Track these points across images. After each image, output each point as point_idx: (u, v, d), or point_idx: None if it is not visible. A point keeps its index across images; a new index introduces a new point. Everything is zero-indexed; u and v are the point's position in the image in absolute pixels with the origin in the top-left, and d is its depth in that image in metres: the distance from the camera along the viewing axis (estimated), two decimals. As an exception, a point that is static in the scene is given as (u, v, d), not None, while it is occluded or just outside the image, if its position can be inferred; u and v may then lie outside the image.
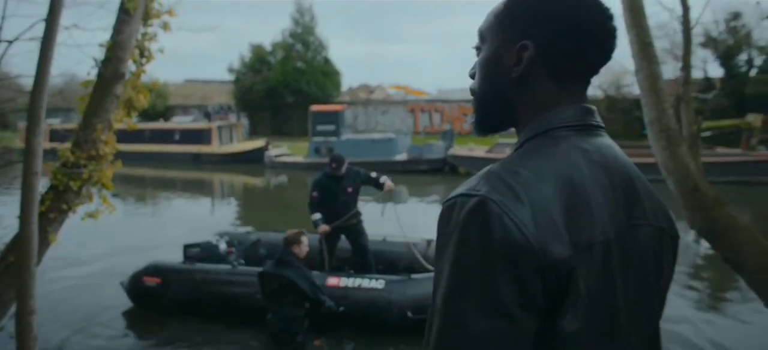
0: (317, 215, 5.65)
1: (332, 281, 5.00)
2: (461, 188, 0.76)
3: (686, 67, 4.32)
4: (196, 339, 5.03)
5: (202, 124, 23.76)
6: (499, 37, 0.87)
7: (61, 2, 3.34)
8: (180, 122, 25.49)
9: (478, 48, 0.92)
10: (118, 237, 8.27)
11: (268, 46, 31.71)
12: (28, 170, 3.32)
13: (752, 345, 4.94)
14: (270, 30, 64.25)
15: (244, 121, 29.10)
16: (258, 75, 30.47)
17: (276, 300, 4.54)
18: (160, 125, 24.57)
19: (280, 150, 22.54)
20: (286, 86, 29.80)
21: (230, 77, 32.34)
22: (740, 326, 5.35)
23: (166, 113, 30.62)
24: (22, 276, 3.30)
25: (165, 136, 23.21)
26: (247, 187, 18.45)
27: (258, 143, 22.91)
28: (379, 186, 5.87)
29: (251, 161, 21.56)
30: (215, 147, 22.63)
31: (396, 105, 29.48)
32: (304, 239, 4.72)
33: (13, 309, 4.21)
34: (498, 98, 0.88)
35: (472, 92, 0.92)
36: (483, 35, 0.91)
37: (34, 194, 3.33)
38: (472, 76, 0.92)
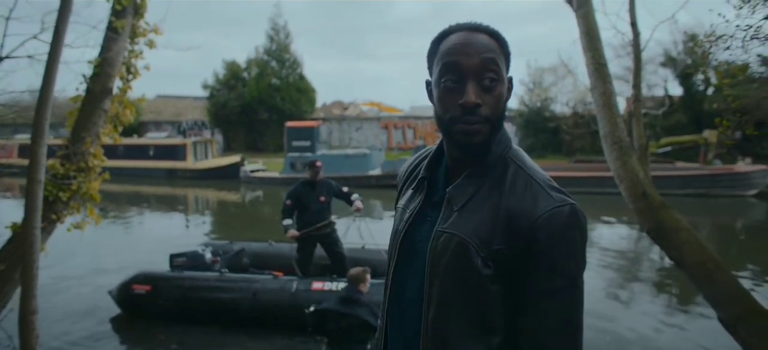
0: (288, 221, 5.93)
1: (316, 285, 5.26)
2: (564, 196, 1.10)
3: (637, 86, 4.75)
4: (192, 343, 5.20)
5: (176, 140, 23.73)
6: (505, 71, 1.12)
7: (66, 24, 3.58)
8: (154, 137, 25.37)
9: (494, 80, 1.08)
10: (90, 253, 8.35)
11: (242, 63, 31.86)
12: (32, 179, 3.54)
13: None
14: (242, 46, 64.37)
15: (219, 137, 29.13)
16: (232, 91, 30.55)
17: (340, 338, 4.35)
18: (134, 140, 24.44)
19: (256, 165, 22.65)
20: (260, 103, 29.95)
21: (202, 93, 32.33)
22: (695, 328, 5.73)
23: (139, 129, 30.41)
24: (24, 277, 3.51)
25: (139, 151, 23.11)
26: (222, 202, 18.50)
27: (233, 158, 23.00)
28: (350, 202, 6.15)
29: (226, 176, 21.65)
30: (190, 163, 22.61)
31: (370, 121, 29.90)
32: (368, 276, 4.56)
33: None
34: (502, 121, 1.14)
35: (488, 121, 1.08)
36: (494, 69, 1.08)
37: (37, 201, 3.55)
38: (479, 105, 1.06)
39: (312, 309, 4.50)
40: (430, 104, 1.19)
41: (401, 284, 1.18)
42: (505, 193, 1.08)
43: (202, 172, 22.42)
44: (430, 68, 1.17)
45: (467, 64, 1.07)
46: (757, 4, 2.84)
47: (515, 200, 1.06)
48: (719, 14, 3.02)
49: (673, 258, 3.86)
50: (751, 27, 2.91)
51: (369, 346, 4.27)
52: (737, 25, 2.97)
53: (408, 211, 1.21)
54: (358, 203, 6.06)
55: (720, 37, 3.05)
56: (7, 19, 4.16)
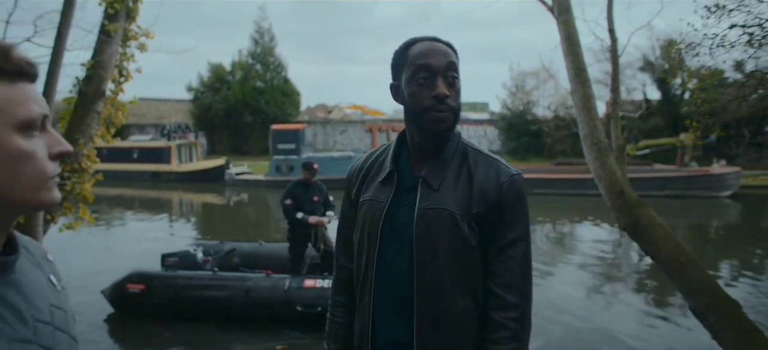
0: (300, 213, 5.97)
1: (308, 283, 5.41)
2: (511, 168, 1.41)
3: (615, 89, 4.98)
4: (190, 339, 5.30)
5: (161, 142, 23.62)
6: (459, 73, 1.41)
7: (68, 27, 3.70)
8: (138, 140, 25.21)
9: (455, 77, 1.37)
10: (78, 254, 8.38)
11: (226, 66, 31.81)
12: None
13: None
14: (225, 49, 64.11)
15: (203, 140, 28.99)
16: (217, 94, 30.49)
17: None
18: (118, 143, 24.26)
19: (241, 168, 22.65)
20: (245, 105, 29.94)
21: (185, 96, 32.21)
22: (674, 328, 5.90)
23: (123, 132, 30.16)
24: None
25: (123, 154, 22.94)
26: (207, 205, 18.50)
27: (218, 161, 22.98)
28: (330, 207, 6.26)
29: (211, 179, 21.62)
30: (174, 165, 22.53)
31: (354, 124, 30.06)
32: None
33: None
34: (460, 113, 1.42)
35: (453, 111, 1.36)
36: (455, 70, 1.37)
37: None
38: (448, 96, 1.34)
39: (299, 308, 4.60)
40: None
41: (386, 259, 1.40)
42: (473, 170, 1.38)
43: (186, 175, 22.36)
44: (396, 73, 1.43)
45: (436, 64, 1.34)
46: (722, 14, 3.07)
47: (483, 174, 1.38)
48: (688, 24, 3.25)
49: (648, 253, 4.08)
50: (717, 36, 3.14)
51: None
52: (705, 34, 3.20)
53: (382, 200, 1.43)
54: (323, 219, 6.10)
55: (689, 44, 3.27)
56: (7, 22, 4.24)
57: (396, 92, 1.44)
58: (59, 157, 0.78)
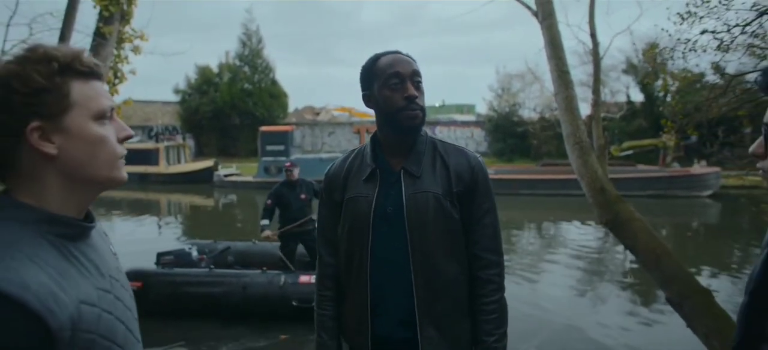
0: (265, 222, 6.21)
1: (304, 278, 5.57)
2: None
3: (596, 91, 5.20)
4: (188, 336, 5.40)
5: (149, 144, 23.56)
6: None
7: (71, 32, 3.82)
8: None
9: (420, 81, 1.63)
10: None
11: (214, 68, 31.78)
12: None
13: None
14: (210, 50, 63.84)
15: (190, 142, 28.95)
16: (205, 96, 30.45)
17: None
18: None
19: (230, 170, 22.67)
20: (233, 107, 29.94)
21: (171, 98, 32.11)
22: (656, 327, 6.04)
23: (108, 134, 29.95)
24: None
25: (110, 156, 22.82)
26: (196, 206, 18.52)
27: (206, 162, 22.97)
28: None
29: (200, 180, 21.62)
30: (163, 167, 22.48)
31: (342, 126, 30.20)
32: None
33: None
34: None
35: (422, 109, 1.61)
36: (420, 76, 1.63)
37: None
38: (417, 97, 1.59)
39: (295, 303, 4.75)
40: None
41: (380, 245, 1.62)
42: (446, 158, 1.65)
43: (174, 176, 22.33)
44: (367, 84, 1.67)
45: (405, 71, 1.59)
46: (694, 20, 3.29)
47: (455, 160, 1.65)
48: (663, 29, 3.46)
49: (627, 246, 4.29)
50: (689, 40, 3.36)
51: None
52: (678, 39, 3.42)
53: (369, 195, 1.64)
54: (270, 234, 6.30)
55: (663, 49, 3.49)
56: (8, 25, 4.36)
57: (368, 99, 1.68)
58: (125, 140, 0.95)
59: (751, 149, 1.01)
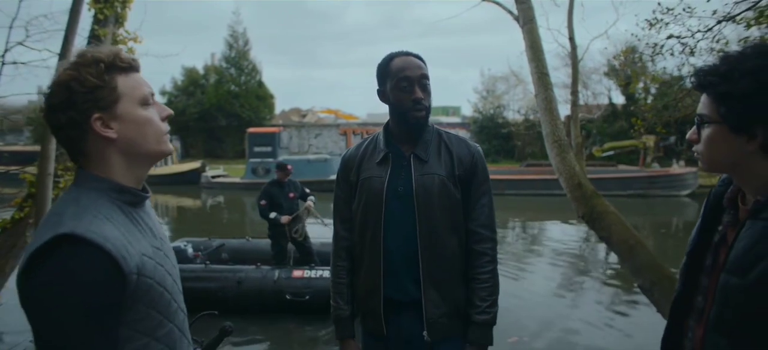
0: (273, 214, 6.41)
1: (297, 273, 5.77)
2: None
3: (574, 92, 5.48)
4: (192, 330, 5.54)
5: (135, 146, 23.43)
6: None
7: (74, 35, 3.98)
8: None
9: (427, 83, 1.85)
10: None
11: (200, 69, 31.77)
12: (43, 172, 3.92)
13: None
14: (196, 52, 63.54)
15: (177, 143, 28.88)
16: (191, 98, 30.43)
17: None
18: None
19: (217, 171, 22.71)
20: (219, 109, 29.96)
21: (158, 99, 31.86)
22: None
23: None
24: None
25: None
26: (184, 208, 18.56)
27: (193, 164, 22.98)
28: (307, 197, 6.75)
29: (186, 182, 21.63)
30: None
31: (329, 128, 30.35)
32: None
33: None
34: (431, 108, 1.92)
35: (427, 108, 1.84)
36: (427, 78, 1.86)
37: (48, 192, 3.94)
38: (423, 98, 1.83)
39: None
40: (385, 110, 1.93)
41: (392, 217, 1.86)
42: (450, 146, 1.90)
43: (161, 178, 22.27)
44: (381, 81, 1.89)
45: (413, 75, 1.83)
46: (661, 26, 3.56)
47: (458, 148, 1.91)
48: (632, 34, 3.73)
49: (602, 238, 4.55)
50: (656, 45, 3.63)
51: None
52: (646, 43, 3.69)
53: (383, 175, 1.87)
54: (309, 202, 6.66)
55: (635, 53, 3.75)
56: (10, 27, 4.49)
57: (382, 95, 1.91)
58: (167, 118, 1.17)
59: (687, 135, 1.24)
